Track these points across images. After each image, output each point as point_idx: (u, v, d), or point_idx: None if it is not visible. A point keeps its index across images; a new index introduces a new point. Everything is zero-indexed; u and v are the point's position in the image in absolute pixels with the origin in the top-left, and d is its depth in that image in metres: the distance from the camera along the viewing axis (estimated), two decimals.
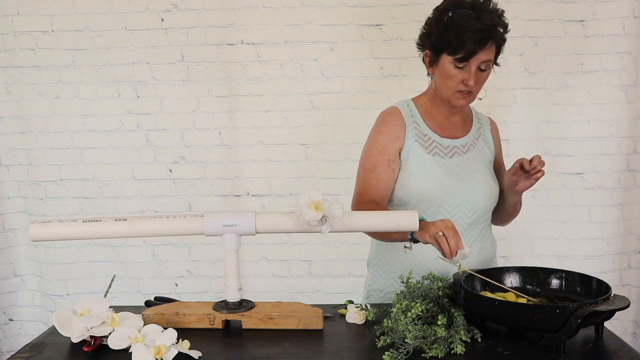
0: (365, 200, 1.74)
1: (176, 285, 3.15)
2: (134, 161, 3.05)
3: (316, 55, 2.95)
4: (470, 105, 1.86)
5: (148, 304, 1.64)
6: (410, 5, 2.87)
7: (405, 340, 1.31)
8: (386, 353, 1.29)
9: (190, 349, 1.34)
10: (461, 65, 1.66)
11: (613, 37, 2.86)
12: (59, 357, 1.37)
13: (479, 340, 1.37)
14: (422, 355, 1.31)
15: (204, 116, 3.02)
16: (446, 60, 1.68)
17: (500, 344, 1.37)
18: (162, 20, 2.94)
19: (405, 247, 1.57)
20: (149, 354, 1.29)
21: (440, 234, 1.46)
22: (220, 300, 1.55)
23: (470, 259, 1.74)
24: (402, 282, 1.54)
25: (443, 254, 1.47)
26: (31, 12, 2.94)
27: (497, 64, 1.74)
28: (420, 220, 1.52)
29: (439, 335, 1.31)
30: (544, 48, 2.91)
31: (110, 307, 1.46)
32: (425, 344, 1.32)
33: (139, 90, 3.00)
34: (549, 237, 3.04)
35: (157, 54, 2.97)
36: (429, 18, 1.74)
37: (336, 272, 3.08)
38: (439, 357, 1.30)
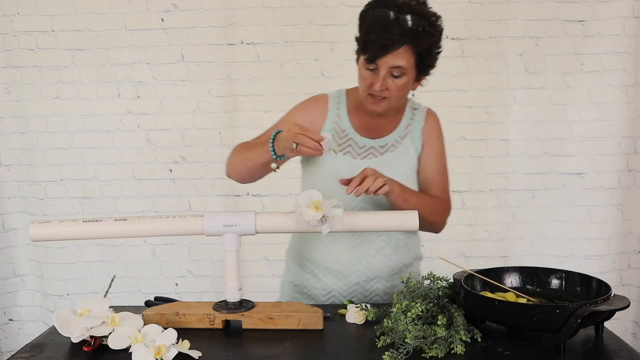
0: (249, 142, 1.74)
1: (176, 285, 3.15)
2: (134, 161, 3.05)
3: (316, 55, 2.95)
4: (410, 96, 1.75)
5: (148, 304, 1.64)
6: None
7: (405, 340, 1.31)
8: (386, 353, 1.29)
9: (190, 349, 1.34)
10: (371, 67, 1.57)
11: (613, 37, 2.86)
12: (59, 357, 1.37)
13: (479, 340, 1.37)
14: (422, 355, 1.31)
15: (204, 116, 3.02)
16: (361, 60, 1.61)
17: (500, 344, 1.37)
18: (162, 20, 2.94)
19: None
20: (149, 354, 1.29)
21: (294, 145, 1.46)
22: (220, 300, 1.55)
23: (379, 265, 1.73)
24: (402, 282, 1.54)
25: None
26: (31, 12, 2.94)
27: (426, 74, 1.65)
28: (278, 132, 1.54)
29: (439, 335, 1.31)
30: (544, 48, 2.91)
31: (110, 307, 1.46)
32: (425, 344, 1.32)
33: (139, 90, 3.00)
34: (549, 237, 3.04)
35: (157, 54, 2.97)
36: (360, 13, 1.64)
37: None
38: (439, 357, 1.30)
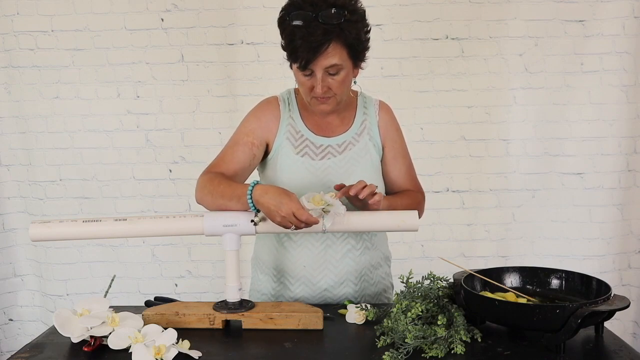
0: (213, 172, 1.64)
1: (176, 285, 3.15)
2: (134, 161, 3.05)
3: None
4: (358, 91, 1.75)
5: (148, 304, 1.64)
6: (410, 5, 2.87)
7: (405, 340, 1.31)
8: (386, 353, 1.29)
9: (190, 349, 1.34)
10: (307, 73, 1.54)
11: (613, 37, 2.86)
12: (59, 357, 1.37)
13: (479, 340, 1.37)
14: (422, 355, 1.31)
15: (204, 116, 3.02)
16: (295, 67, 1.57)
17: (500, 344, 1.37)
18: (162, 20, 2.94)
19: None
20: (149, 354, 1.29)
21: (293, 228, 1.45)
22: (220, 300, 1.55)
23: (347, 268, 1.70)
24: (402, 282, 1.54)
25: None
26: (31, 12, 2.94)
27: (363, 59, 1.60)
28: (255, 185, 1.47)
29: (439, 335, 1.31)
30: (544, 48, 2.91)
31: (110, 307, 1.46)
32: (425, 344, 1.32)
33: (138, 90, 3.00)
34: (549, 237, 3.04)
35: (157, 54, 2.97)
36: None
37: None
38: (439, 357, 1.30)
